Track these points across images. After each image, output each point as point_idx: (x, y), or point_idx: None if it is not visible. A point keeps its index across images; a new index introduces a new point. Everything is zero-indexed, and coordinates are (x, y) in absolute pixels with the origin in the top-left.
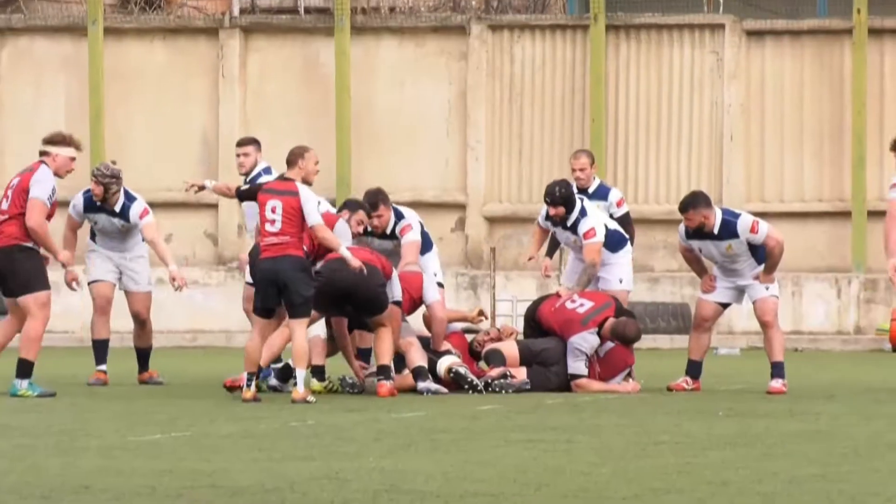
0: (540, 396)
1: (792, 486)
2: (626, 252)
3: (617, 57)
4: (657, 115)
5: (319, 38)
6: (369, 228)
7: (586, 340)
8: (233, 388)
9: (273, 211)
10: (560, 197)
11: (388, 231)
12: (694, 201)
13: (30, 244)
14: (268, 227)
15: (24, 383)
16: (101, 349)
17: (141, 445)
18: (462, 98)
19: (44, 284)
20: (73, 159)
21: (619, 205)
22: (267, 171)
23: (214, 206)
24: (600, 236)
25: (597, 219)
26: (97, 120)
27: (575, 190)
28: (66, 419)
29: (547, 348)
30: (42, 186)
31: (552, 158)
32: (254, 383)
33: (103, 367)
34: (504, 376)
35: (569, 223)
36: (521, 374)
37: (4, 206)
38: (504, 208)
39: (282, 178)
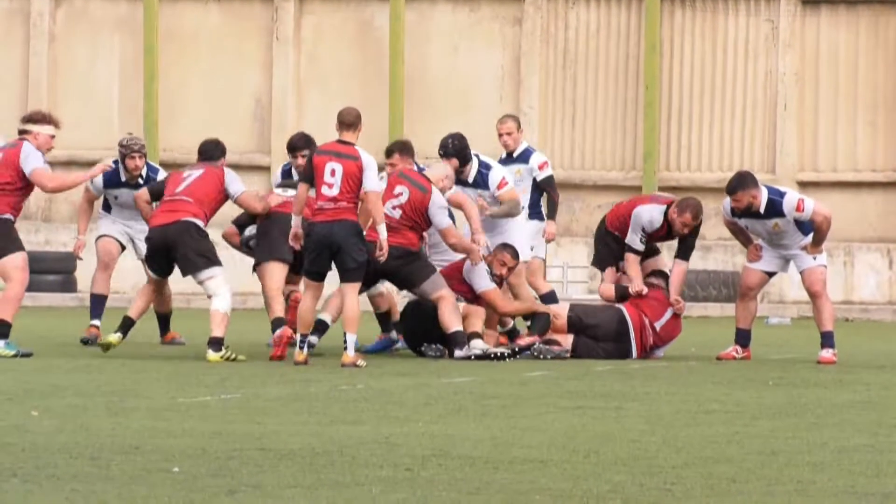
0: (589, 363)
1: (841, 456)
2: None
3: (671, 24)
4: (711, 83)
5: (374, 3)
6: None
7: (650, 214)
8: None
9: (332, 174)
10: (452, 148)
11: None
12: (742, 183)
13: (7, 215)
14: (325, 190)
15: (1, 343)
16: (97, 304)
17: (191, 407)
18: (515, 64)
19: (18, 247)
20: (52, 137)
21: (541, 168)
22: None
23: (267, 169)
24: (512, 183)
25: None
26: (151, 82)
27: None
28: (117, 380)
29: (599, 324)
30: (35, 157)
31: (605, 125)
32: (306, 346)
33: (97, 322)
34: (530, 347)
35: (469, 179)
36: (566, 341)
37: None
38: (556, 174)
39: (340, 141)
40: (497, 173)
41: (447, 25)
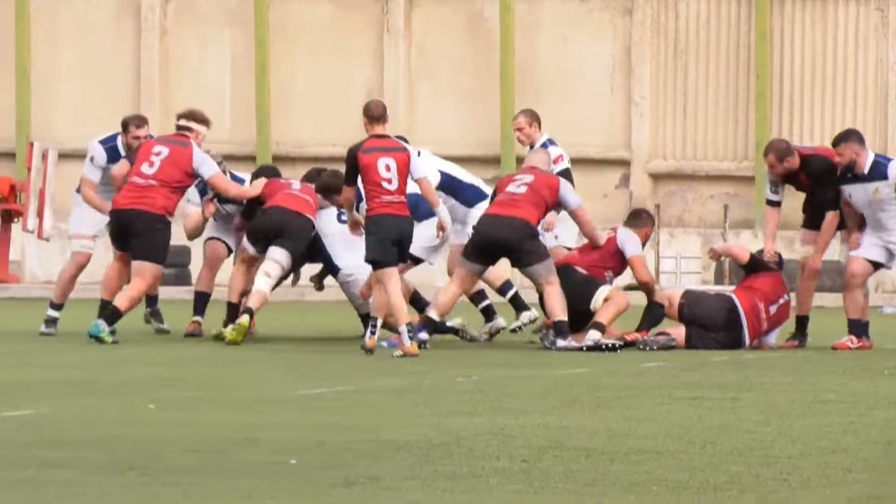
0: (705, 354)
1: None
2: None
3: (782, 13)
4: (822, 72)
5: None
6: None
7: None
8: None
9: (387, 169)
10: (317, 189)
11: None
12: (846, 136)
13: (169, 218)
14: (385, 185)
15: (107, 329)
16: (200, 301)
17: (307, 399)
18: (626, 54)
19: (162, 259)
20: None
21: (555, 162)
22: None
23: None
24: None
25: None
26: (262, 74)
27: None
28: (233, 372)
29: (708, 314)
30: (210, 162)
31: (716, 115)
32: (377, 333)
33: (199, 318)
34: (621, 342)
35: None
36: (678, 332)
37: (148, 170)
38: (668, 165)
39: (377, 135)
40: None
41: (557, 16)
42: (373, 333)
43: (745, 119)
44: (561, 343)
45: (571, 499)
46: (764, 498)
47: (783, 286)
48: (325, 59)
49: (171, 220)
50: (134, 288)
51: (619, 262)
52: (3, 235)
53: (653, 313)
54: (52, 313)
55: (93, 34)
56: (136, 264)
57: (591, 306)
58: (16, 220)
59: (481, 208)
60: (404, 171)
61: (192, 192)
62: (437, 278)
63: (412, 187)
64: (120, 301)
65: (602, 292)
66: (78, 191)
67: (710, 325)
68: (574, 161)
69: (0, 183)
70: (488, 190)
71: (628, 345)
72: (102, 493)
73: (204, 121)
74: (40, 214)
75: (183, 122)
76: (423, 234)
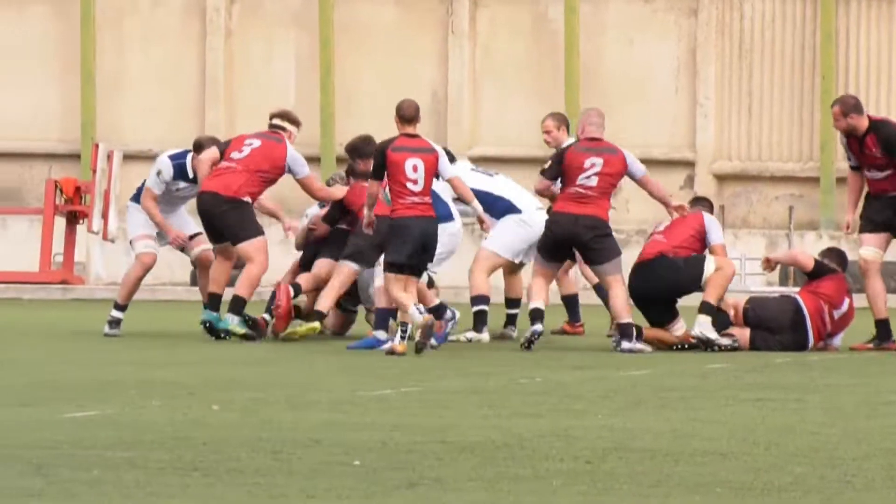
0: (769, 356)
1: None
2: (509, 219)
3: (847, 14)
4: (888, 72)
5: None
6: None
7: None
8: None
9: (415, 170)
10: (346, 148)
11: None
12: None
13: (247, 199)
14: (410, 186)
15: (236, 319)
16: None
17: (371, 400)
18: (691, 55)
19: (257, 231)
20: None
21: None
22: None
23: None
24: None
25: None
26: (327, 75)
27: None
28: (297, 373)
29: (774, 316)
30: (304, 163)
31: (781, 115)
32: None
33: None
34: (733, 342)
35: None
36: (743, 334)
37: (237, 155)
38: (733, 166)
39: (407, 135)
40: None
41: (622, 17)
42: (402, 338)
43: (811, 120)
44: (626, 345)
45: (635, 500)
46: (828, 500)
47: (848, 291)
48: (390, 59)
49: (249, 202)
50: (250, 272)
51: (702, 245)
52: (68, 237)
53: (718, 323)
54: (117, 314)
55: (158, 36)
56: (240, 249)
57: (702, 282)
58: (81, 221)
59: (511, 219)
60: (431, 173)
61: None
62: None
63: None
64: (241, 289)
65: (710, 262)
66: (134, 199)
67: (776, 328)
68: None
69: (65, 184)
70: (525, 200)
71: (693, 347)
72: (167, 494)
73: (296, 122)
74: (105, 216)
75: (277, 122)
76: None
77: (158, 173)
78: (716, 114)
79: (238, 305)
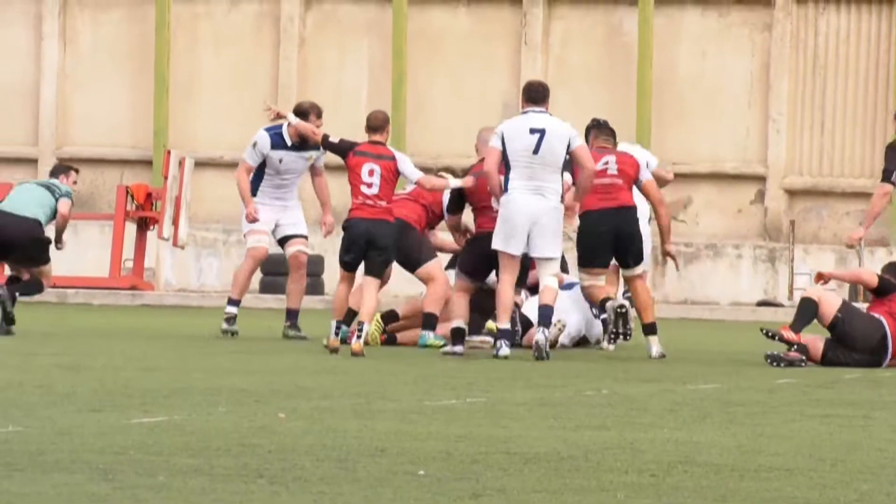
0: (838, 371)
1: None
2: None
3: None
4: None
5: (622, 7)
6: None
7: None
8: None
9: (370, 174)
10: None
11: None
12: None
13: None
14: (364, 189)
15: (431, 335)
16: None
17: (437, 410)
18: (765, 69)
19: (434, 253)
20: None
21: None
22: None
23: None
24: None
25: None
26: (399, 84)
27: None
28: (363, 382)
29: (860, 337)
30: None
31: (854, 131)
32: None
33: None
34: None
35: None
36: (816, 346)
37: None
38: (804, 181)
39: (373, 142)
40: None
41: (696, 30)
42: (358, 337)
43: (883, 136)
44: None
45: None
46: None
47: None
48: (462, 70)
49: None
50: (435, 291)
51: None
52: (138, 243)
53: (806, 312)
54: (231, 310)
55: (232, 44)
56: (420, 272)
57: None
58: (151, 227)
59: None
60: (389, 178)
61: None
62: None
63: None
64: (430, 307)
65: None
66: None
67: (859, 348)
68: (709, 176)
69: (137, 190)
70: None
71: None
72: (232, 501)
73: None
74: (176, 222)
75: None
76: None
77: (254, 145)
78: (788, 129)
79: (431, 322)
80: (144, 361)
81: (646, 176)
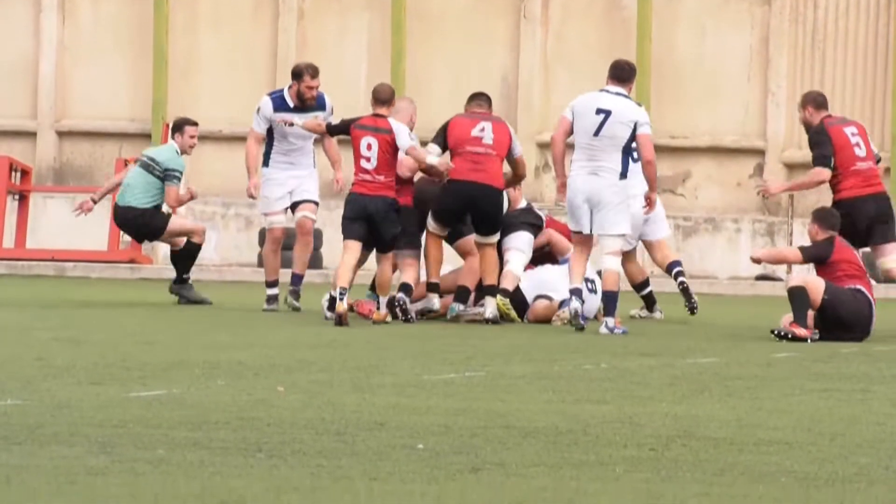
0: (836, 346)
1: None
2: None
3: None
4: None
5: None
6: None
7: None
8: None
9: (368, 148)
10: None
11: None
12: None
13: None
14: (363, 163)
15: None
16: None
17: (436, 384)
18: (764, 43)
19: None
20: None
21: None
22: None
23: None
24: None
25: None
26: (398, 60)
27: None
28: (362, 356)
29: (855, 316)
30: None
31: (853, 105)
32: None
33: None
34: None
35: None
36: (806, 333)
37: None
38: (803, 155)
39: (375, 115)
40: None
41: (695, 5)
42: (378, 307)
43: (882, 110)
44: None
45: (699, 488)
46: (893, 490)
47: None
48: (461, 45)
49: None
50: (472, 265)
51: None
52: None
53: (801, 301)
54: (271, 291)
55: (231, 18)
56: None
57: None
58: None
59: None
60: (387, 153)
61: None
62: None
63: None
64: (470, 281)
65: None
66: (264, 164)
67: (853, 326)
68: (709, 149)
69: None
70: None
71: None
72: (231, 475)
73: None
74: None
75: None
76: None
77: (258, 110)
78: (787, 103)
79: (464, 295)
80: (143, 335)
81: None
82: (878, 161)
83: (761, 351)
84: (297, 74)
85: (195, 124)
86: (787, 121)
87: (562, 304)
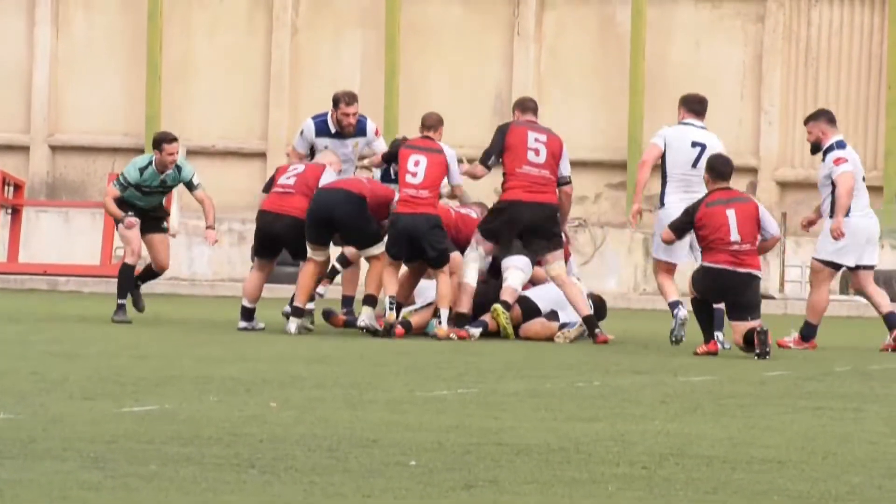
0: (829, 364)
1: None
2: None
3: None
4: None
5: None
6: None
7: None
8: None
9: (416, 164)
10: None
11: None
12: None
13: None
14: (409, 178)
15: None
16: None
17: (428, 400)
18: (757, 61)
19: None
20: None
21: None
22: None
23: None
24: None
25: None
26: (392, 75)
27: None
28: (355, 372)
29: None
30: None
31: (846, 124)
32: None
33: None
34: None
35: None
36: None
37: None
38: (796, 173)
39: (424, 136)
40: None
41: (689, 22)
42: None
43: (875, 129)
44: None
45: None
46: None
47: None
48: (456, 60)
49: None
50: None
51: None
52: None
53: (705, 317)
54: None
55: (224, 31)
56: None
57: None
58: None
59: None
60: (435, 169)
61: None
62: None
63: None
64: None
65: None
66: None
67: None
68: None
69: None
70: None
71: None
72: (223, 490)
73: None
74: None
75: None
76: None
77: (301, 133)
78: (780, 120)
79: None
80: (136, 349)
81: None
82: None
83: (754, 369)
84: (334, 102)
85: (173, 140)
86: (779, 139)
87: (563, 325)
